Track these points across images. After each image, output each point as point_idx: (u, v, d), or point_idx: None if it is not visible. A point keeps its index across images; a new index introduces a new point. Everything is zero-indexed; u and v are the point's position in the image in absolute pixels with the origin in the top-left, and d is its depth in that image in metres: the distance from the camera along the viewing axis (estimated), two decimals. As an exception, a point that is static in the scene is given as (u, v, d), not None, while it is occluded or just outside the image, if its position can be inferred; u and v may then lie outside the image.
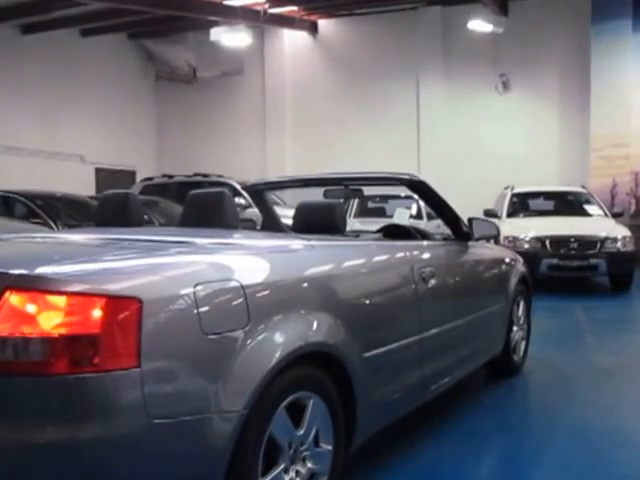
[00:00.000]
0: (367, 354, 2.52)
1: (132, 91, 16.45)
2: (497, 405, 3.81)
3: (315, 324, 2.24)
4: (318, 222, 2.99)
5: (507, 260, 4.42)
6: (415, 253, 3.21)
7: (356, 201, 10.45)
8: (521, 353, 4.56)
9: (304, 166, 13.75)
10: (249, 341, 1.96)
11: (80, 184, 13.66)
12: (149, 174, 14.00)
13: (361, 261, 2.74)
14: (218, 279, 1.96)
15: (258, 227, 4.78)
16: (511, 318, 4.33)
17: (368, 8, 14.63)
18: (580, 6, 13.16)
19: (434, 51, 14.30)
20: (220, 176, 12.06)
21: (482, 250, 4.14)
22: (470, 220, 3.93)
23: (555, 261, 8.46)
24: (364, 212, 10.43)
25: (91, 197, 9.93)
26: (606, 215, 9.60)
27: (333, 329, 2.32)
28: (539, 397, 4.09)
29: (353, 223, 9.30)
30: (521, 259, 4.74)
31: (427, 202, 4.04)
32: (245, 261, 2.18)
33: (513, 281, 4.35)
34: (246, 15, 13.50)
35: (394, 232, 3.74)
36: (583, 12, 13.08)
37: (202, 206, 2.82)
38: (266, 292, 2.10)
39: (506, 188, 10.53)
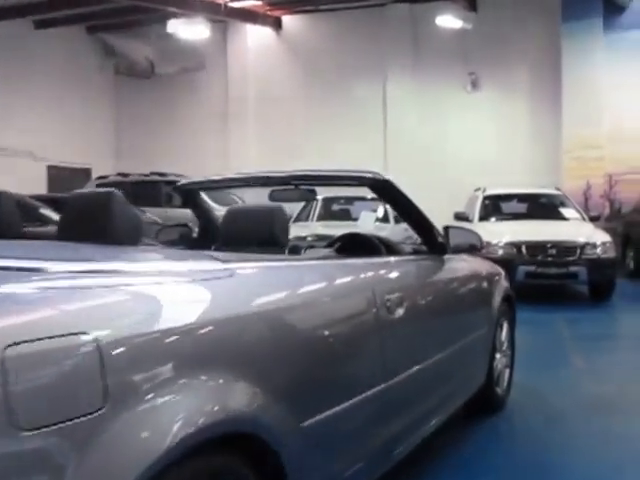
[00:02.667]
0: (307, 423, 1.78)
1: (89, 86, 15.64)
2: (479, 457, 3.10)
3: (225, 392, 1.50)
4: (251, 233, 2.33)
5: (489, 276, 3.73)
6: (378, 274, 2.47)
7: (319, 203, 9.73)
8: (505, 384, 3.88)
9: (268, 166, 12.95)
10: (105, 433, 1.22)
11: (30, 182, 12.72)
12: (106, 172, 13.23)
13: (301, 290, 1.98)
14: (52, 334, 1.20)
15: (195, 234, 4.02)
16: (494, 344, 3.64)
17: (334, 4, 14.07)
18: (550, 3, 12.77)
19: (402, 49, 13.82)
20: (179, 175, 11.27)
21: (460, 265, 3.42)
22: (446, 229, 3.22)
23: (532, 268, 7.87)
24: (328, 215, 9.70)
25: (31, 197, 8.94)
26: (583, 219, 9.07)
27: (252, 396, 1.57)
28: (530, 444, 3.36)
29: (316, 227, 8.62)
30: (503, 272, 4.06)
31: (394, 206, 3.32)
32: (113, 300, 1.41)
33: (496, 300, 3.66)
34: (206, 8, 12.85)
35: (353, 243, 2.99)
36: (553, 10, 12.72)
37: (83, 212, 2.04)
38: (142, 350, 1.35)
39: (477, 190, 9.93)
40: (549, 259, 7.87)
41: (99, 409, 1.22)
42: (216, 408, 1.45)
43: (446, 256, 3.17)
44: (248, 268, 1.85)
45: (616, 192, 12.25)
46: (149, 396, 1.32)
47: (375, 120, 13.86)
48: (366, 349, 2.18)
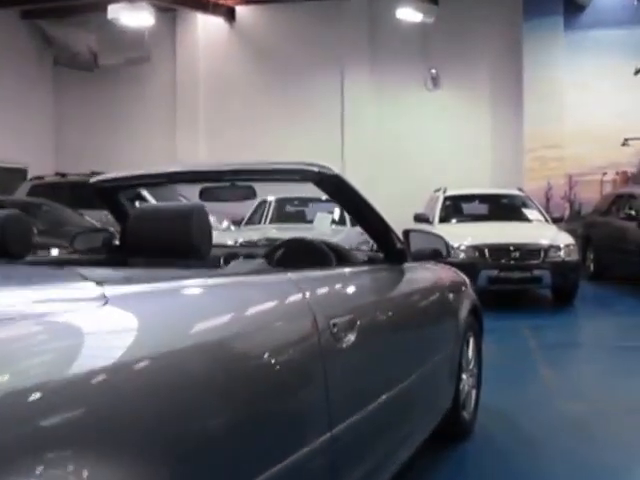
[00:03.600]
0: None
1: (25, 78, 14.54)
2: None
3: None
4: (162, 240, 1.82)
5: (455, 286, 3.29)
6: (323, 292, 1.97)
7: (272, 204, 9.21)
8: (472, 407, 3.45)
9: (219, 165, 12.44)
10: None
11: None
12: (44, 172, 12.24)
13: (214, 321, 1.45)
14: None
15: (117, 241, 3.46)
16: (460, 363, 3.20)
17: (290, -6, 13.52)
18: (512, 0, 12.54)
19: (360, 43, 13.39)
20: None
21: (422, 275, 2.96)
22: (407, 233, 2.76)
23: (495, 273, 7.51)
24: (282, 217, 9.18)
25: None
26: (546, 220, 8.78)
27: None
28: (503, 477, 2.94)
29: (268, 230, 8.10)
30: (468, 280, 3.64)
31: (345, 206, 2.83)
32: None
33: (463, 314, 3.22)
34: (151, -7, 12.13)
35: (297, 252, 2.49)
36: (515, 7, 12.51)
37: None
38: None
39: (437, 190, 9.57)
40: (512, 263, 7.52)
41: None
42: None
43: (406, 264, 2.71)
44: (135, 294, 1.32)
45: (576, 193, 12.08)
46: None
47: (332, 117, 13.40)
48: (306, 392, 1.68)
